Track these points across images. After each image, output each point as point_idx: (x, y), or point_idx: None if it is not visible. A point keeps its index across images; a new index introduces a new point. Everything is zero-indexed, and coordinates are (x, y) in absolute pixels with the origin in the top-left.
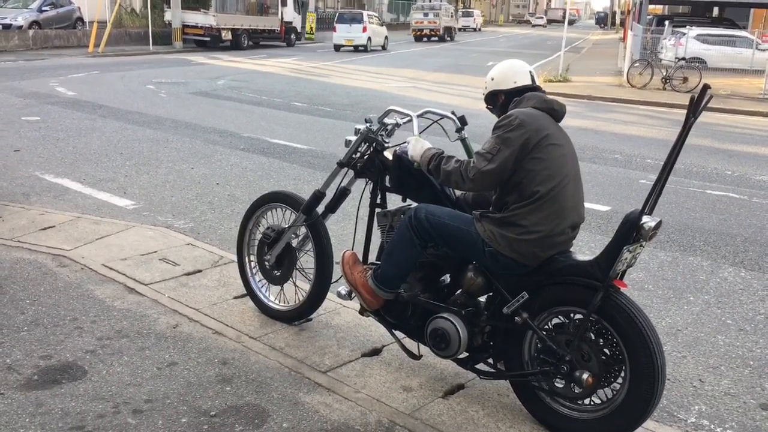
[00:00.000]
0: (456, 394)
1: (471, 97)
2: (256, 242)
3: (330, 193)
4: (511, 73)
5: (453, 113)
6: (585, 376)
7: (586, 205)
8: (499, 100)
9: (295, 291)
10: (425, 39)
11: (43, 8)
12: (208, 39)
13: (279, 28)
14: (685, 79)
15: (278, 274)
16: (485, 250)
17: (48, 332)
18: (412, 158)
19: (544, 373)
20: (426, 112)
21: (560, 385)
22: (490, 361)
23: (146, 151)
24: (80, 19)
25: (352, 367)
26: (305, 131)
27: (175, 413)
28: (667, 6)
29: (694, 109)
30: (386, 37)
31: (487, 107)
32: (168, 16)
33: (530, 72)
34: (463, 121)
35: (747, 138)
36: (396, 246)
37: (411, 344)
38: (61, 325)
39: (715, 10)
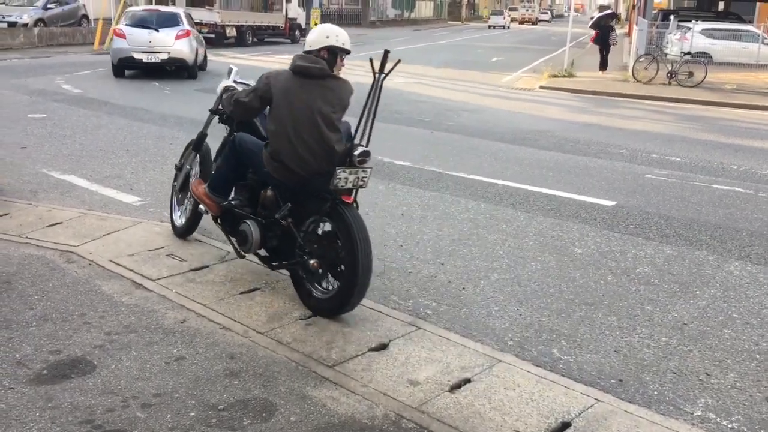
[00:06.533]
0: (462, 387)
1: (475, 93)
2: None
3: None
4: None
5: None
6: (311, 262)
7: (591, 199)
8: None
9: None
10: (524, 24)
11: (49, 6)
12: (212, 36)
13: (283, 25)
14: (691, 74)
15: (181, 196)
16: (264, 170)
17: (57, 327)
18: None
19: (299, 263)
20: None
21: (310, 272)
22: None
23: (152, 148)
24: (85, 16)
25: (359, 362)
26: None
27: (184, 407)
28: (672, 0)
29: (381, 68)
30: (511, 20)
31: None
32: None
33: (328, 36)
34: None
35: (753, 132)
36: (222, 163)
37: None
38: (69, 320)
39: (721, 5)
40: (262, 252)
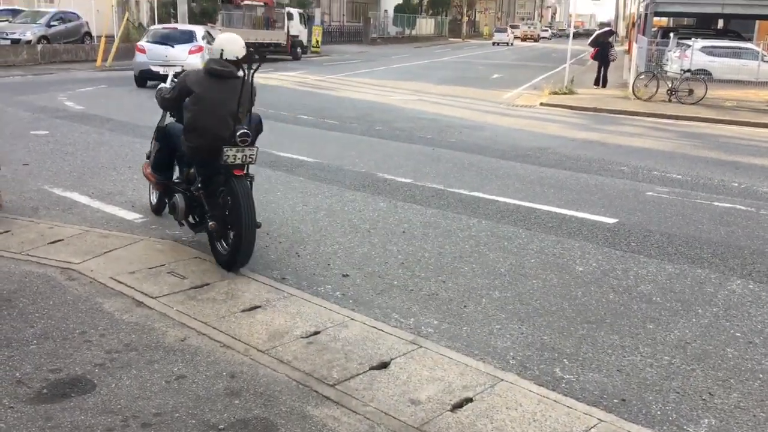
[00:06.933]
0: (464, 407)
1: (476, 110)
2: None
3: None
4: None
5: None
6: (210, 223)
7: (592, 217)
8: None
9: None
10: (527, 41)
11: (52, 23)
12: None
13: (285, 42)
14: (691, 91)
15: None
16: (184, 151)
17: (57, 346)
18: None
19: (206, 226)
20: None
21: (212, 232)
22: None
23: None
24: (88, 33)
25: (360, 380)
26: (312, 144)
27: (184, 427)
28: (672, 18)
29: (249, 63)
30: (514, 37)
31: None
32: None
33: (242, 48)
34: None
35: (753, 150)
36: (159, 147)
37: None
38: (69, 338)
39: (720, 22)
40: (191, 219)
